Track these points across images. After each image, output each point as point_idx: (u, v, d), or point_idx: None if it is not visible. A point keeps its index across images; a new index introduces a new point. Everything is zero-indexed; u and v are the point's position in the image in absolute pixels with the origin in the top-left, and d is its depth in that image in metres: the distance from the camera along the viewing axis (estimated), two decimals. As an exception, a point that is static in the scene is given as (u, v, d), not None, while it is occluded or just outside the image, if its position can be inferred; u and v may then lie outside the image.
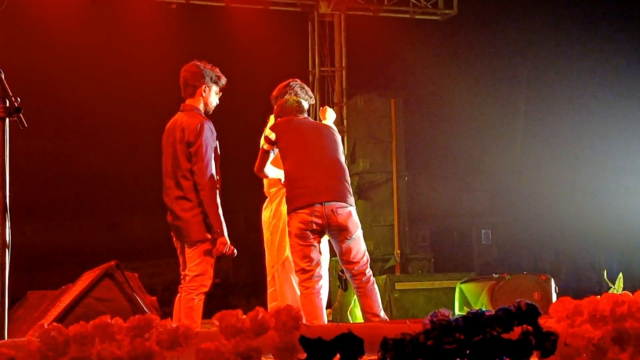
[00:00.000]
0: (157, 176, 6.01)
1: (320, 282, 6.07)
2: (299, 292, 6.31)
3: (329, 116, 6.70)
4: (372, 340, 3.37)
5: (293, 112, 6.25)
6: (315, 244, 6.01)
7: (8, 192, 4.00)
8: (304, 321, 3.46)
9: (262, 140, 6.24)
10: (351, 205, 6.06)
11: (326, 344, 3.31)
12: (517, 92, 13.19)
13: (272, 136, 6.12)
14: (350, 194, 6.10)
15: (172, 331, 3.19)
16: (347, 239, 6.03)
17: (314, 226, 5.93)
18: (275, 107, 6.44)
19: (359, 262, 6.07)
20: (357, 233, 6.08)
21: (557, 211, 12.40)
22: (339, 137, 6.34)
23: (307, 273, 5.99)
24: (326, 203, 5.94)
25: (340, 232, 6.01)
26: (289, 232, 6.04)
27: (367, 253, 6.19)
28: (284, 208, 6.30)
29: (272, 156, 6.25)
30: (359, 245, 6.10)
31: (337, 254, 6.13)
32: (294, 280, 6.34)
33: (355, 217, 6.06)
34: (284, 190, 6.32)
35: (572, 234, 12.39)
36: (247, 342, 3.25)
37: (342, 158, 6.29)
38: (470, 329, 3.46)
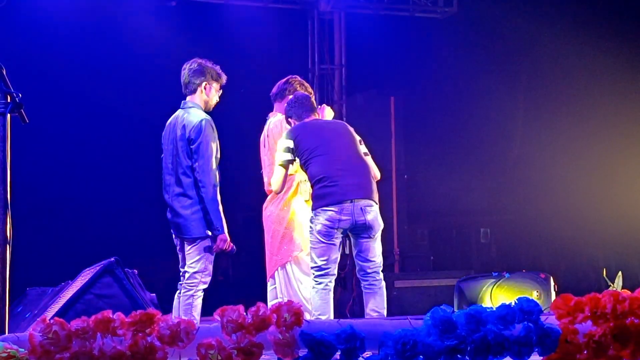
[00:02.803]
0: (157, 173, 6.02)
1: (333, 280, 6.11)
2: (298, 292, 6.32)
3: (327, 115, 6.70)
4: (374, 337, 3.38)
5: (305, 109, 6.24)
6: (337, 243, 6.04)
7: (9, 188, 3.99)
8: (307, 317, 3.46)
9: (280, 155, 6.13)
10: (376, 204, 6.10)
11: (328, 339, 3.31)
12: (516, 91, 13.18)
13: (290, 143, 6.09)
14: (376, 192, 6.13)
15: (174, 326, 3.20)
16: (370, 237, 6.07)
17: (341, 224, 5.95)
18: (286, 102, 6.38)
19: (375, 261, 6.12)
20: (379, 233, 6.13)
21: (556, 210, 12.39)
22: (353, 131, 6.34)
23: (323, 270, 6.02)
24: (356, 201, 5.97)
25: (364, 230, 6.03)
26: (312, 228, 6.03)
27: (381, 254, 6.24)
28: (294, 203, 6.32)
29: (292, 167, 6.23)
30: (377, 245, 6.14)
31: (355, 250, 6.13)
32: (295, 280, 6.35)
33: (379, 216, 6.10)
34: (290, 184, 6.34)
35: (571, 232, 12.37)
36: (249, 338, 3.26)
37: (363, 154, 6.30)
38: (472, 326, 3.46)
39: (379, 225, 6.09)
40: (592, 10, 12.03)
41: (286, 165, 6.14)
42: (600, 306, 3.51)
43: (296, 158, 6.10)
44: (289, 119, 6.27)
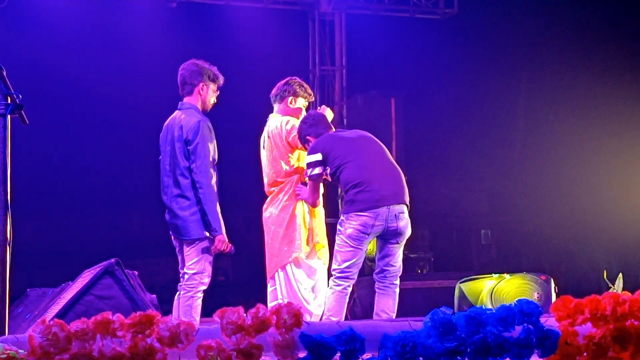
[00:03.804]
0: (156, 174, 6.01)
1: (352, 284, 6.12)
2: (298, 293, 6.31)
3: (327, 115, 6.69)
4: (374, 338, 3.38)
5: (323, 126, 6.25)
6: (365, 248, 6.06)
7: (9, 189, 3.99)
8: (307, 318, 3.46)
9: (310, 170, 6.13)
10: (408, 207, 6.13)
11: (327, 341, 3.31)
12: (517, 92, 13.19)
13: (319, 156, 6.08)
14: (407, 194, 6.16)
15: (173, 328, 3.19)
16: (398, 243, 6.11)
17: (374, 229, 5.97)
18: (301, 121, 6.34)
19: (396, 267, 6.17)
20: (406, 240, 6.16)
21: (557, 211, 12.40)
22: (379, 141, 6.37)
23: (345, 273, 6.04)
24: (391, 207, 5.98)
25: (394, 236, 6.06)
26: (342, 231, 6.03)
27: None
28: (293, 204, 6.32)
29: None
30: (401, 251, 6.20)
31: (380, 253, 6.15)
32: (295, 281, 6.35)
33: (410, 223, 6.13)
34: (291, 185, 6.35)
35: (572, 234, 12.39)
36: (248, 339, 3.26)
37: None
38: (472, 328, 3.46)
39: (409, 232, 6.13)
40: (593, 9, 12.03)
41: (318, 179, 6.16)
42: (600, 308, 3.51)
43: (327, 168, 6.10)
44: (307, 138, 6.25)
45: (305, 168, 6.25)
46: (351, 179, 6.02)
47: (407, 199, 6.13)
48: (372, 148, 6.22)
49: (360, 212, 5.96)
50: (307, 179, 6.28)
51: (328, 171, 6.11)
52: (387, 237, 6.06)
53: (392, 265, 6.14)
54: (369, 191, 5.97)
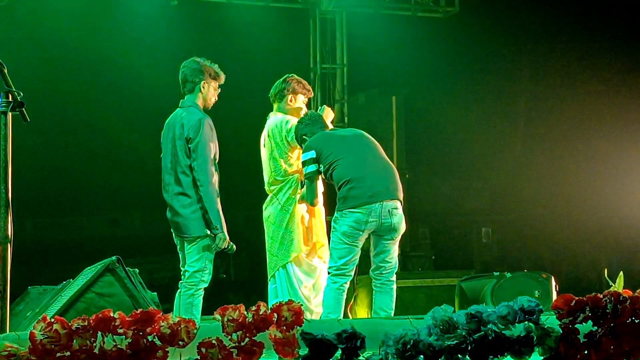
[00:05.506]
0: (157, 172, 6.01)
1: (349, 281, 6.11)
2: (299, 291, 6.31)
3: (328, 115, 6.69)
4: (375, 336, 3.38)
5: (319, 126, 6.25)
6: (360, 245, 6.05)
7: (10, 186, 3.99)
8: (307, 316, 3.46)
9: (305, 169, 6.14)
10: (402, 203, 6.13)
11: (328, 339, 3.31)
12: (518, 91, 13.21)
13: (313, 154, 6.09)
14: (401, 191, 6.16)
15: (174, 326, 3.19)
16: (393, 239, 6.10)
17: (367, 226, 5.96)
18: (297, 123, 6.35)
19: (392, 263, 6.16)
20: (400, 236, 6.15)
21: (558, 210, 12.42)
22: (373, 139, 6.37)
23: (341, 271, 6.03)
24: (384, 203, 5.97)
25: (388, 232, 6.05)
26: (336, 229, 6.03)
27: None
28: (293, 204, 6.33)
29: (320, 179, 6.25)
30: (396, 247, 6.19)
31: (374, 250, 6.14)
32: (295, 280, 6.35)
33: (404, 219, 6.12)
34: (290, 185, 6.35)
35: (573, 232, 12.40)
36: (249, 337, 3.26)
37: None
38: (472, 326, 3.46)
39: (403, 228, 6.12)
40: (594, 9, 12.03)
41: (313, 177, 6.15)
42: (601, 306, 3.51)
43: (321, 166, 6.10)
44: (303, 137, 6.25)
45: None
46: (343, 176, 6.02)
47: (400, 195, 6.11)
48: (365, 145, 6.21)
49: (353, 209, 5.96)
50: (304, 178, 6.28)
51: (322, 169, 6.12)
52: (382, 233, 6.05)
53: (388, 262, 6.12)
54: (361, 187, 5.97)
